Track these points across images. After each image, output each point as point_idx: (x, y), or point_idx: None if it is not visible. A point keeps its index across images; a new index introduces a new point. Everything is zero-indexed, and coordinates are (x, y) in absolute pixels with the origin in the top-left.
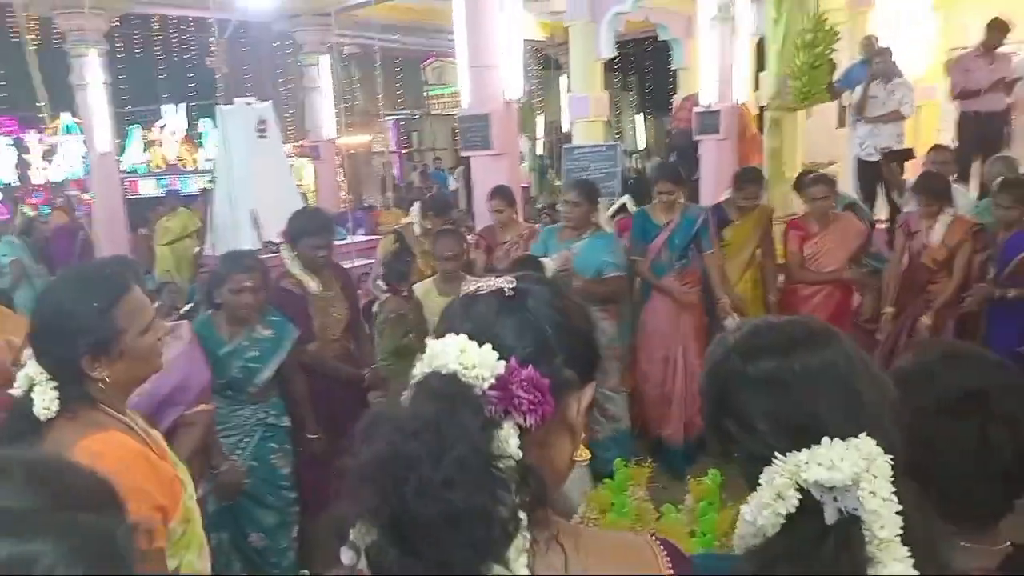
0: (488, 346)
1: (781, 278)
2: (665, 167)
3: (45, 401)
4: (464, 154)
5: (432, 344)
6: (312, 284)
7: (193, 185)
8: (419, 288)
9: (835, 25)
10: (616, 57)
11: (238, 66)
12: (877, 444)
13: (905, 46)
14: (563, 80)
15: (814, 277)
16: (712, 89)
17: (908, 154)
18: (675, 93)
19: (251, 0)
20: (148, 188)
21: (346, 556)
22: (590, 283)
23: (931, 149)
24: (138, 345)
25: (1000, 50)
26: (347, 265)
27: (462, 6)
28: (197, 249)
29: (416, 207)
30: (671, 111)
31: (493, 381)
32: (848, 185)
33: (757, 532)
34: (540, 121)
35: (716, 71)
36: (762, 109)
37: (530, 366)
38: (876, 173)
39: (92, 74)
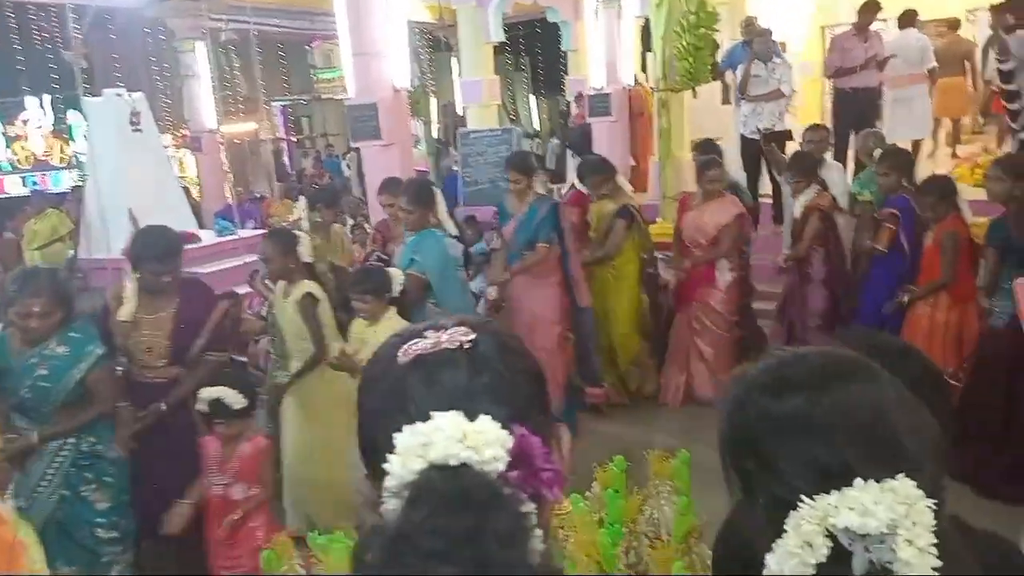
0: (486, 419)
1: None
2: (514, 156)
3: None
4: (354, 144)
5: (416, 432)
6: (124, 310)
7: (66, 181)
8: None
9: (715, 6)
10: (507, 39)
11: (107, 55)
12: (917, 487)
13: (783, 25)
14: (455, 61)
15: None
16: (601, 72)
17: (786, 135)
18: (567, 74)
19: None
20: (15, 186)
21: None
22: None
23: (807, 129)
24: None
25: (873, 28)
26: (236, 263)
27: None
28: (71, 253)
29: (302, 201)
30: (563, 92)
31: (508, 460)
32: (733, 161)
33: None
34: (434, 104)
35: (604, 54)
36: (650, 90)
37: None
38: (759, 150)
39: None
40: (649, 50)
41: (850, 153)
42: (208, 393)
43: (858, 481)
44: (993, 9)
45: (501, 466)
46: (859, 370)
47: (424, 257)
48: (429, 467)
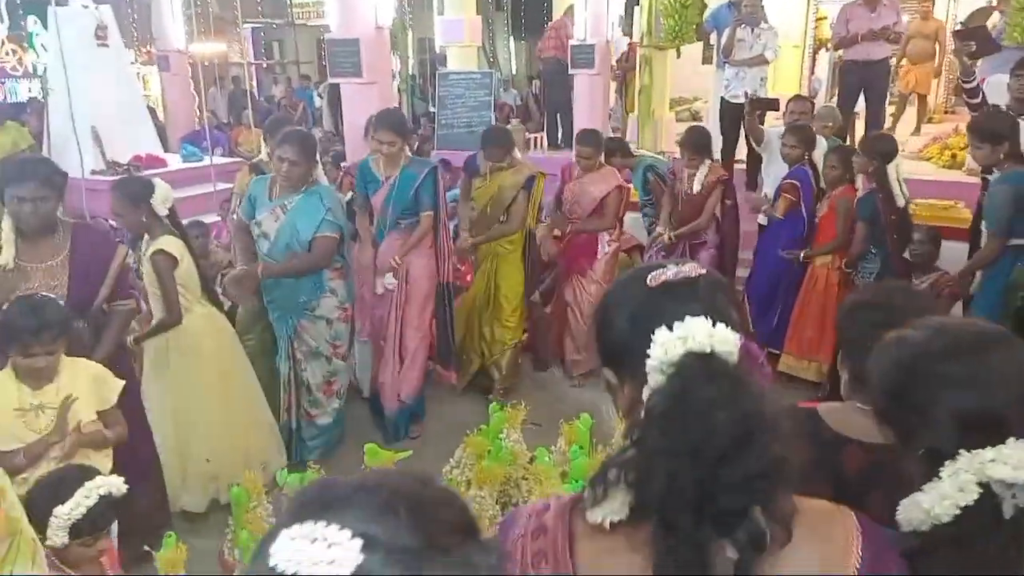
0: (720, 325)
1: None
2: (387, 114)
3: None
4: (333, 80)
5: (682, 327)
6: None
7: (23, 91)
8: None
9: None
10: None
11: None
12: None
13: None
14: None
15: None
16: (584, 24)
17: (773, 104)
18: (550, 19)
19: None
20: None
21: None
22: (292, 257)
23: (791, 99)
24: None
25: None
26: (206, 189)
27: None
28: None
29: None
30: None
31: (737, 356)
32: (712, 124)
33: (928, 518)
34: (411, 39)
35: (589, 5)
36: (633, 45)
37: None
38: (740, 115)
39: None
40: (636, 4)
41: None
42: None
43: (1011, 440)
44: (956, 35)
45: (734, 359)
46: (1008, 339)
47: (336, 215)
48: (686, 353)
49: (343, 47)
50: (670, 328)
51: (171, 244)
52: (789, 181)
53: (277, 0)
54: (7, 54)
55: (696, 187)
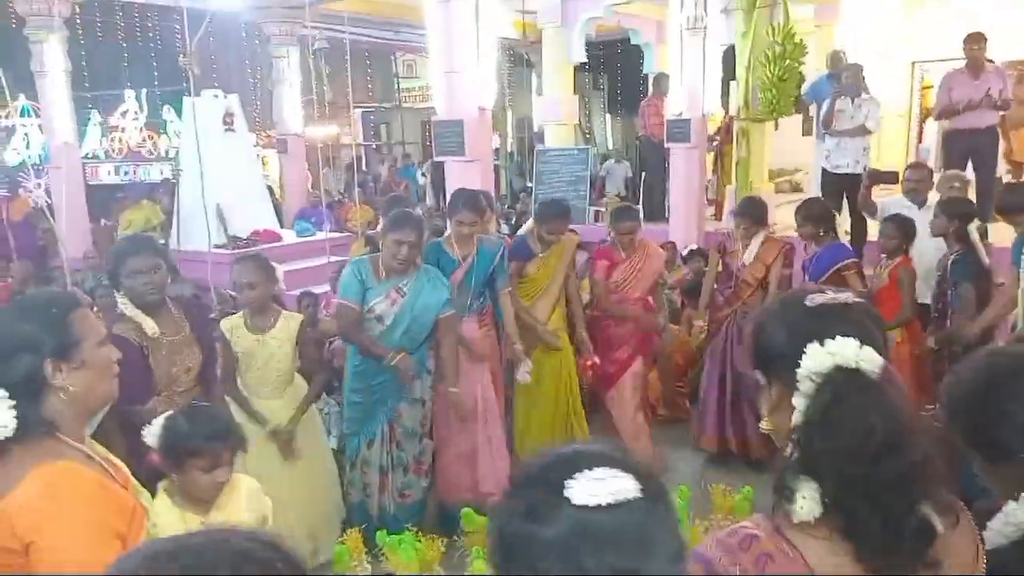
0: (867, 348)
1: None
2: (468, 195)
3: (3, 419)
4: (438, 159)
5: (833, 344)
6: (149, 325)
7: (156, 172)
8: (226, 323)
9: (802, 38)
10: (587, 58)
11: (205, 56)
12: None
13: (871, 60)
14: (534, 77)
15: (620, 311)
16: (681, 97)
17: (892, 177)
18: (646, 96)
19: None
20: (108, 175)
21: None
22: (449, 354)
23: (908, 167)
24: (97, 356)
25: (990, 65)
26: (318, 262)
27: (435, 10)
28: (162, 243)
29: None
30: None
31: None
32: (814, 195)
33: (1018, 529)
34: (509, 117)
35: (685, 80)
36: (731, 118)
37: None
38: (843, 186)
39: (53, 61)
40: (732, 78)
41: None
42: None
43: None
44: None
45: (876, 377)
46: None
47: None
48: (835, 367)
49: (448, 128)
50: (821, 344)
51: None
52: (850, 260)
53: (386, 85)
54: (144, 140)
55: (749, 258)
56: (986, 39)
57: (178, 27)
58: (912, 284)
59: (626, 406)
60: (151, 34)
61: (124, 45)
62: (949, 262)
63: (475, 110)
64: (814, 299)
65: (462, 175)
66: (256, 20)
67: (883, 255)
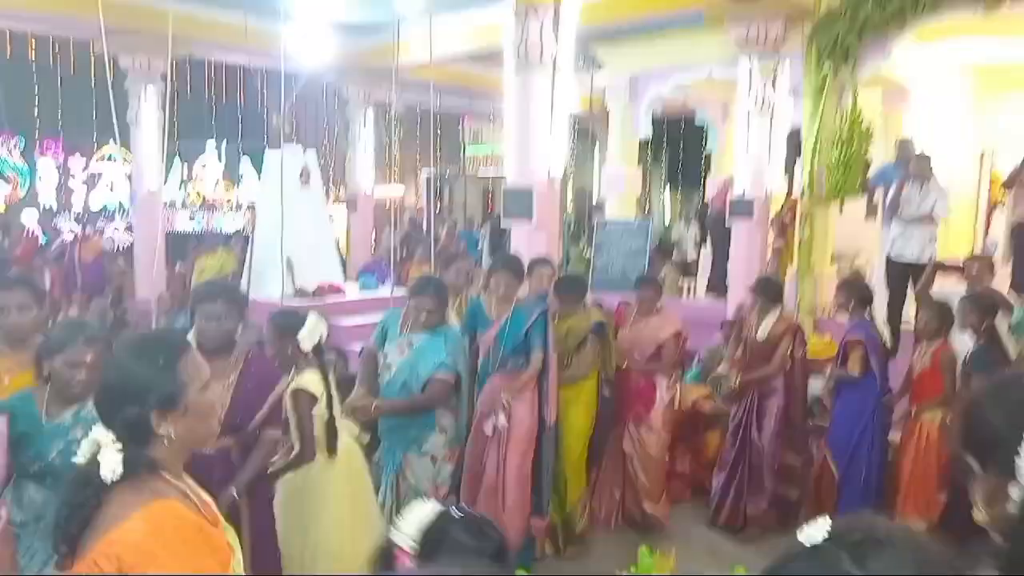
0: None
1: None
2: (507, 259)
3: (111, 463)
4: (505, 224)
5: None
6: None
7: (228, 222)
8: (313, 381)
9: (870, 124)
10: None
11: (288, 114)
12: None
13: (938, 147)
14: (596, 151)
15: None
16: (746, 177)
17: (956, 270)
18: (707, 174)
19: (307, 55)
20: (183, 222)
21: None
22: (397, 402)
23: (969, 259)
24: (200, 401)
25: None
26: (376, 319)
27: (513, 83)
28: None
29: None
30: (700, 189)
31: None
32: (878, 281)
33: None
34: (570, 187)
35: (751, 160)
36: (795, 199)
37: None
38: (906, 275)
39: (148, 112)
40: (797, 159)
41: None
42: None
43: None
44: None
45: None
46: None
47: (455, 357)
48: None
49: (517, 194)
50: None
51: (312, 382)
52: (855, 337)
53: (452, 150)
54: (219, 191)
55: (763, 334)
56: None
57: (260, 85)
58: (954, 367)
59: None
60: (236, 91)
61: (209, 100)
62: (969, 354)
63: (545, 178)
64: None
65: (528, 241)
66: (336, 83)
67: (924, 340)
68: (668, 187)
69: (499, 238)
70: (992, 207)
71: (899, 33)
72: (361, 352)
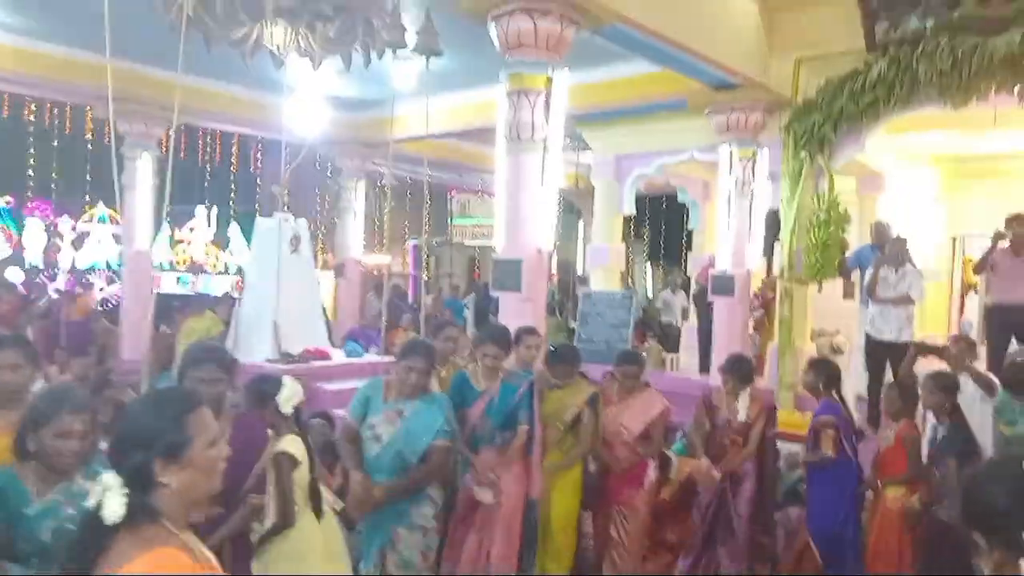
0: None
1: None
2: (493, 329)
3: (114, 505)
4: (494, 293)
5: None
6: None
7: (216, 285)
8: (295, 447)
9: (846, 207)
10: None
11: (276, 182)
12: None
13: (913, 231)
14: (581, 225)
15: (603, 456)
16: (727, 255)
17: (939, 350)
18: (688, 250)
19: (303, 127)
20: (169, 284)
21: None
22: (410, 473)
23: (950, 339)
24: (204, 456)
25: None
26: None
27: (505, 160)
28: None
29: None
30: (681, 266)
31: None
32: (856, 359)
33: None
34: (554, 260)
35: (732, 239)
36: (773, 278)
37: None
38: (885, 353)
39: (143, 176)
40: (776, 239)
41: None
42: None
43: None
44: None
45: None
46: None
47: (452, 423)
48: None
49: (507, 266)
50: None
51: (294, 446)
52: (826, 417)
53: (440, 221)
54: (208, 255)
55: (742, 415)
56: None
57: (253, 153)
58: (917, 446)
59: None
60: (230, 157)
61: (203, 165)
62: (938, 435)
63: (534, 251)
64: None
65: (516, 311)
66: (330, 154)
67: (888, 418)
68: (650, 262)
69: (485, 307)
70: (965, 290)
71: (873, 125)
72: (338, 428)
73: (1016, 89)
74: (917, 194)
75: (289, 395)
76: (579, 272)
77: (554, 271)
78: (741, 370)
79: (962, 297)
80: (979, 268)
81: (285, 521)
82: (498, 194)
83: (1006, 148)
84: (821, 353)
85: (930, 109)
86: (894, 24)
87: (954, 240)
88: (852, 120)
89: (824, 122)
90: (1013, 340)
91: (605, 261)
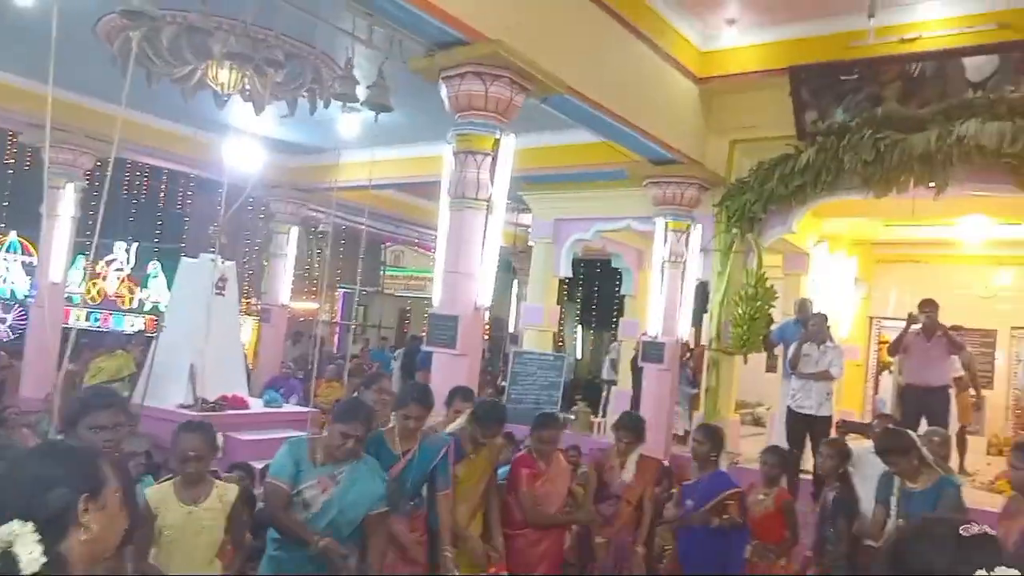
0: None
1: None
2: (418, 389)
3: (34, 554)
4: (427, 348)
5: (998, 571)
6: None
7: (127, 323)
8: (153, 493)
9: (773, 284)
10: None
11: (208, 221)
12: None
13: (834, 310)
14: (516, 283)
15: (551, 520)
16: (658, 323)
17: (865, 428)
18: (621, 315)
19: (241, 168)
20: (77, 319)
21: None
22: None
23: (875, 417)
24: (114, 502)
25: (943, 333)
26: (278, 435)
27: (447, 216)
28: (127, 395)
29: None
30: (612, 330)
31: None
32: (778, 430)
33: None
34: (486, 316)
35: (663, 307)
36: (702, 347)
37: None
38: (805, 426)
39: (65, 208)
40: (705, 311)
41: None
42: None
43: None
44: None
45: None
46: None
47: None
48: None
49: (443, 321)
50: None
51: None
52: (733, 491)
53: (372, 271)
54: (123, 291)
55: (628, 476)
56: (937, 305)
57: (182, 190)
58: (794, 511)
59: None
60: (158, 193)
61: (128, 199)
62: (830, 499)
63: (471, 308)
64: (968, 528)
65: (450, 368)
66: (265, 197)
67: (764, 484)
68: (582, 325)
69: (412, 360)
70: (880, 369)
71: (800, 207)
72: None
73: (931, 183)
74: (838, 275)
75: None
76: (511, 330)
77: (486, 327)
78: (635, 427)
79: (877, 375)
80: (893, 350)
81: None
82: (439, 249)
83: (922, 237)
84: (744, 423)
85: (853, 196)
86: (822, 115)
87: (871, 320)
88: (781, 201)
89: (755, 202)
90: (924, 420)
91: (539, 321)
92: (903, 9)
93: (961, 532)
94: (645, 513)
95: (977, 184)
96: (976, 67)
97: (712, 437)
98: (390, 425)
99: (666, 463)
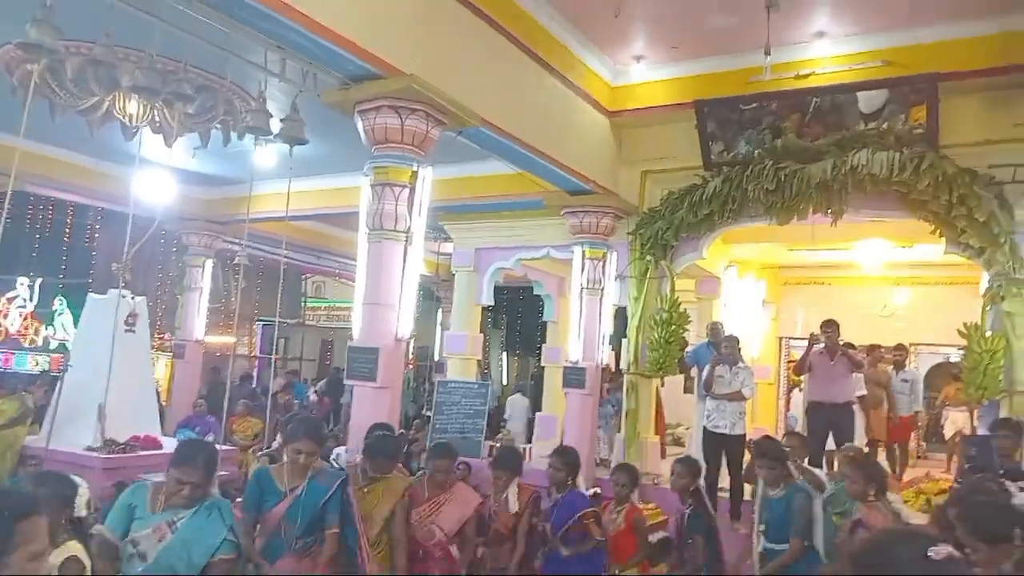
0: None
1: None
2: (308, 422)
3: None
4: (348, 382)
5: None
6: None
7: (30, 362)
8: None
9: (686, 308)
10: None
11: (117, 255)
12: None
13: (744, 332)
14: (439, 312)
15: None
16: (578, 348)
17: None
18: (543, 341)
19: (152, 201)
20: None
21: None
22: None
23: (785, 435)
24: (24, 569)
25: (843, 353)
26: None
27: (366, 247)
28: (29, 437)
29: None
30: (536, 356)
31: None
32: (695, 450)
33: None
34: (411, 346)
35: (583, 333)
36: (621, 371)
37: None
38: (720, 445)
39: None
40: (624, 335)
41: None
42: None
43: None
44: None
45: None
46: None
47: (237, 533)
48: None
49: (363, 354)
50: None
51: (81, 551)
52: (592, 510)
53: (293, 302)
54: (26, 329)
55: (512, 506)
56: (837, 325)
57: (89, 224)
58: (644, 527)
59: None
60: (63, 227)
61: (31, 233)
62: (685, 517)
63: (391, 339)
64: (938, 552)
65: (371, 401)
66: (176, 230)
67: (616, 502)
68: (506, 352)
69: (334, 394)
70: (791, 387)
71: (709, 234)
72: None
73: (829, 210)
74: (748, 297)
75: (87, 499)
76: (436, 358)
77: (411, 357)
78: (512, 462)
79: (788, 394)
80: (798, 369)
81: None
82: (358, 281)
83: (825, 260)
84: (664, 444)
85: (758, 223)
86: (727, 147)
87: (780, 340)
88: (691, 229)
89: (667, 229)
90: (831, 435)
91: (462, 349)
92: (798, 47)
93: (930, 555)
94: (517, 547)
95: (871, 210)
96: (868, 100)
97: (568, 464)
98: (282, 462)
99: (597, 490)
